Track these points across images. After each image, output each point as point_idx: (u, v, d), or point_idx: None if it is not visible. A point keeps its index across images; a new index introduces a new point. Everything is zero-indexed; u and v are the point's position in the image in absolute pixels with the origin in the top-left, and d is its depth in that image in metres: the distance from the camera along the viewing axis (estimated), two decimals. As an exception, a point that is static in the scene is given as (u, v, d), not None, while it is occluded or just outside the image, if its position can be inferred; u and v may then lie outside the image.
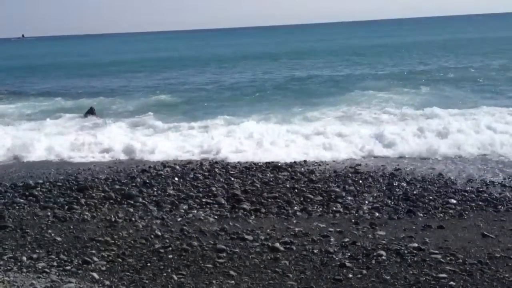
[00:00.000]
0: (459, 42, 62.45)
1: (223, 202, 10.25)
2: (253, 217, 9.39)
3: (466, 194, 10.23)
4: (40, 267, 6.80)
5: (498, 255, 7.02)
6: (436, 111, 18.82)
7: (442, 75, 31.02)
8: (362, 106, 21.84)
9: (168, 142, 16.23)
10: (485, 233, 8.01)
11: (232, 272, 6.71)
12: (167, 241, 7.89)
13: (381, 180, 11.38)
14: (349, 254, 7.30)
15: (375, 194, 10.46)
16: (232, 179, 11.80)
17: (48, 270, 6.68)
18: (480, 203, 9.73)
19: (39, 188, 11.15)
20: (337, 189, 10.85)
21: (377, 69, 36.61)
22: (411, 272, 6.62)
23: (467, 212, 9.29)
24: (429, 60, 40.82)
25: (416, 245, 7.52)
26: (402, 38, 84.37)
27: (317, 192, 10.75)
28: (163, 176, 12.18)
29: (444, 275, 6.45)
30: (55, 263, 6.99)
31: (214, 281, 6.43)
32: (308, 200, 10.30)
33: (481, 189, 10.51)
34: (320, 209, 9.82)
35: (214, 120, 19.56)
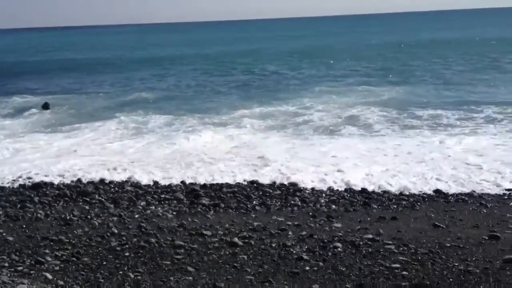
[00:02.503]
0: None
1: (182, 197, 10.22)
2: (212, 212, 9.40)
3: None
4: (-10, 269, 6.61)
5: (448, 245, 7.25)
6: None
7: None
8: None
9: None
10: (436, 223, 8.27)
11: (190, 268, 6.70)
12: (124, 238, 7.81)
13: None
14: (306, 247, 7.40)
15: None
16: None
17: (-1, 271, 6.50)
18: (432, 193, 10.05)
19: (-11, 187, 10.84)
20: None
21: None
22: (365, 263, 6.76)
23: (419, 203, 9.57)
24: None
25: (370, 236, 7.69)
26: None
27: (276, 186, 10.85)
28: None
29: (397, 265, 6.62)
30: (6, 264, 6.80)
31: (171, 278, 6.40)
32: (267, 194, 10.37)
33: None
34: (279, 203, 9.91)
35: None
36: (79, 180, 11.53)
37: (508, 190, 10.14)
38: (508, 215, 8.73)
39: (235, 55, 48.04)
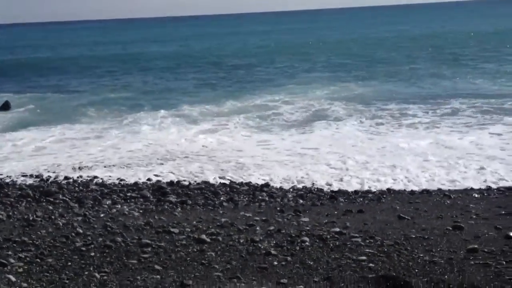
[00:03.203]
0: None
1: (148, 195, 10.11)
2: (179, 209, 9.33)
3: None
4: (-50, 273, 6.40)
5: (414, 236, 7.37)
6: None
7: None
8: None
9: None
10: (401, 215, 8.39)
11: (157, 267, 6.62)
12: (89, 238, 7.66)
13: (304, 168, 11.65)
14: (274, 242, 7.40)
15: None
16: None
17: (-41, 275, 6.31)
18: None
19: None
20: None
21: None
22: (333, 256, 6.81)
23: (384, 196, 9.71)
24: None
25: (337, 229, 7.74)
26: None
27: (242, 182, 10.84)
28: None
29: (363, 257, 6.69)
30: (-33, 268, 6.60)
31: (138, 277, 6.32)
32: (235, 190, 10.36)
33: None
34: (246, 198, 9.90)
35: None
36: (42, 180, 11.29)
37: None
38: (471, 205, 8.93)
39: (204, 51, 47.79)
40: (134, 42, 70.05)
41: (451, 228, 7.60)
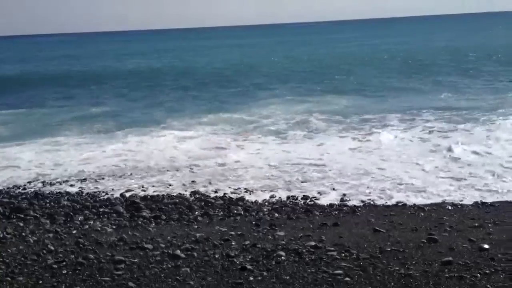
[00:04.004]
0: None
1: (121, 210, 9.94)
2: (154, 224, 9.20)
3: (360, 191, 10.77)
4: None
5: (389, 249, 7.39)
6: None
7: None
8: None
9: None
10: (376, 228, 8.42)
11: (131, 284, 6.49)
12: (61, 255, 7.48)
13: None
14: (250, 256, 7.34)
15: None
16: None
17: None
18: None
19: None
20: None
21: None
22: (309, 270, 6.78)
23: (359, 209, 9.75)
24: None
25: (313, 243, 7.72)
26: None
27: (218, 196, 10.77)
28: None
29: (339, 271, 6.67)
30: None
31: (112, 295, 6.20)
32: (209, 204, 10.27)
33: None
34: (221, 212, 9.83)
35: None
36: (12, 196, 11.02)
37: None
38: (444, 217, 9.02)
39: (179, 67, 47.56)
40: (102, 58, 67.70)
41: (425, 241, 7.65)
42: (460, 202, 10.04)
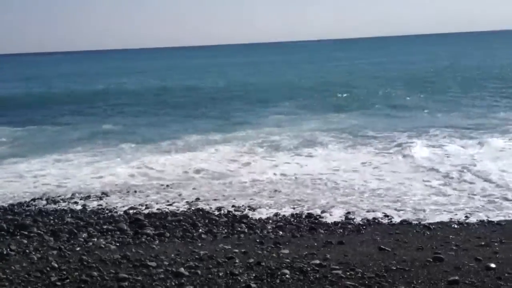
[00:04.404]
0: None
1: (125, 228, 9.92)
2: (157, 242, 9.16)
3: (364, 209, 10.71)
4: None
5: (394, 268, 7.33)
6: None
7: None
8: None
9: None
10: (381, 246, 8.35)
11: (134, 302, 6.46)
12: (65, 272, 7.45)
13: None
14: (254, 275, 7.29)
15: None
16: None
17: None
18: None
19: None
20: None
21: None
22: (313, 289, 6.73)
23: (364, 227, 9.68)
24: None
25: (318, 261, 7.66)
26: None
27: (222, 213, 10.73)
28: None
29: (345, 290, 6.62)
30: None
31: (115, 313, 6.15)
32: (213, 222, 10.24)
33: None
34: (225, 230, 9.79)
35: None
36: (16, 213, 11.02)
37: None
38: (450, 236, 8.95)
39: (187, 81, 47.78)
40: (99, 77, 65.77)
41: (431, 260, 7.57)
42: (466, 221, 9.97)
